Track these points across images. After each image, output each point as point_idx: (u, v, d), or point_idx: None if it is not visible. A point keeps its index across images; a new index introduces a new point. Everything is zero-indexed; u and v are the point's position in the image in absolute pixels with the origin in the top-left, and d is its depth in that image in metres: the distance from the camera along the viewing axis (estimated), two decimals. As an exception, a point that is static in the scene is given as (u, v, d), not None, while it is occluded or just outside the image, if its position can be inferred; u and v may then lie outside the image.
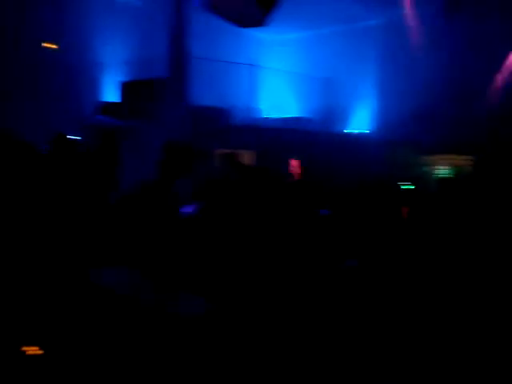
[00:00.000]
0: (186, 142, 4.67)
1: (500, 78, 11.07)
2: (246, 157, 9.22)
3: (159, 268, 3.79)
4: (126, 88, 11.70)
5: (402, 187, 8.48)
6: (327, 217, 5.77)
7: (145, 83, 11.11)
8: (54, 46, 11.69)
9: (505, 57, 11.11)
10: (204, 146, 7.89)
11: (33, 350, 2.15)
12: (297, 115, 13.62)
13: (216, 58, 10.95)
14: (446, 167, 10.50)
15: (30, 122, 8.34)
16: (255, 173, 7.11)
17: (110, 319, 2.01)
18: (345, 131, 13.13)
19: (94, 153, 5.99)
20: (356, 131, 13.07)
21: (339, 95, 13.11)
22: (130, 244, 4.22)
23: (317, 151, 10.04)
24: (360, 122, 13.19)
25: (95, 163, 5.45)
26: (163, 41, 10.63)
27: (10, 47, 9.48)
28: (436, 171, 10.58)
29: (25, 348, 2.10)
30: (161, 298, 2.03)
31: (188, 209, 4.58)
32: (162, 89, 10.28)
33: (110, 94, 12.23)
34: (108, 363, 1.91)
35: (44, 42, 11.25)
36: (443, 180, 9.88)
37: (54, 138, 4.48)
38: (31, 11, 10.55)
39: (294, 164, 7.11)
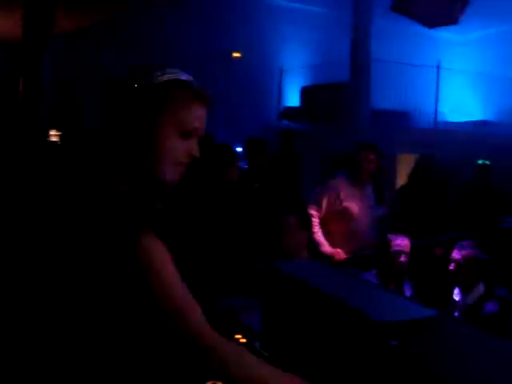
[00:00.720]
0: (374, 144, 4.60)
1: None
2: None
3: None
4: (306, 92, 11.94)
5: None
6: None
7: (325, 87, 11.24)
8: (239, 55, 12.35)
9: None
10: (386, 150, 7.73)
11: (239, 339, 2.26)
12: (482, 118, 12.81)
13: (397, 60, 10.70)
14: None
15: (221, 127, 8.92)
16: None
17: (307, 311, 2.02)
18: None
19: (277, 155, 6.15)
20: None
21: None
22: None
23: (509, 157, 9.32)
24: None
25: (280, 165, 5.61)
26: (344, 45, 10.67)
27: (206, 58, 10.16)
28: None
29: (237, 336, 2.20)
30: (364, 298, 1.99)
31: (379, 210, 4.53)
32: (343, 93, 10.31)
33: (292, 98, 12.56)
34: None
35: (233, 51, 11.95)
36: None
37: (249, 142, 4.70)
38: (221, 24, 11.24)
39: None
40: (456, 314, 3.47)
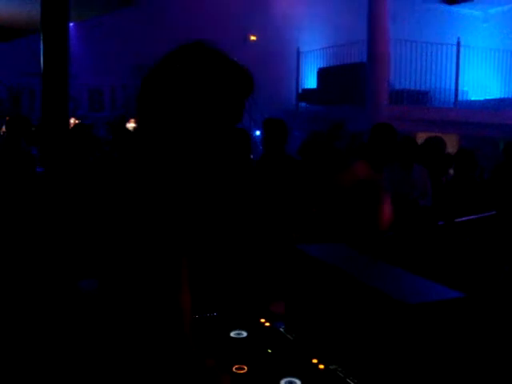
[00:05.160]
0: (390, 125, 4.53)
1: None
2: (449, 140, 8.75)
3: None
4: (323, 74, 11.84)
5: None
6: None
7: (342, 68, 11.13)
8: (255, 38, 12.27)
9: None
10: (405, 131, 7.67)
11: (263, 322, 2.26)
12: (504, 96, 12.58)
13: (416, 38, 10.53)
14: None
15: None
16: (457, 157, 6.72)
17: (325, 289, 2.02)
18: None
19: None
20: None
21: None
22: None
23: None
24: None
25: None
26: (361, 25, 10.53)
27: (221, 42, 10.10)
28: None
29: (261, 320, 2.21)
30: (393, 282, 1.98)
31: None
32: (361, 73, 10.20)
33: (310, 81, 12.46)
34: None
35: (248, 33, 11.87)
36: None
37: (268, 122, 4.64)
38: (237, 7, 11.14)
39: None
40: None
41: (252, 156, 4.98)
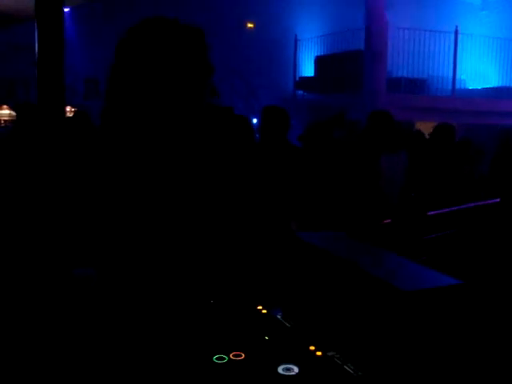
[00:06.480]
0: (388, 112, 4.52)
1: None
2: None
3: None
4: (321, 62, 11.81)
5: None
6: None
7: (340, 56, 11.10)
8: (252, 25, 12.22)
9: None
10: (403, 119, 7.64)
11: (260, 309, 2.25)
12: (501, 84, 12.56)
13: (413, 26, 10.50)
14: None
15: (237, 98, 8.90)
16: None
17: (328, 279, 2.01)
18: None
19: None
20: None
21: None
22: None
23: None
24: None
25: None
26: (359, 12, 10.49)
27: (219, 30, 10.08)
28: None
29: (258, 307, 2.20)
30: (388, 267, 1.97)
31: None
32: (359, 61, 10.18)
33: (308, 68, 12.43)
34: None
35: (245, 20, 11.82)
36: None
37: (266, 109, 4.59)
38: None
39: None
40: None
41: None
